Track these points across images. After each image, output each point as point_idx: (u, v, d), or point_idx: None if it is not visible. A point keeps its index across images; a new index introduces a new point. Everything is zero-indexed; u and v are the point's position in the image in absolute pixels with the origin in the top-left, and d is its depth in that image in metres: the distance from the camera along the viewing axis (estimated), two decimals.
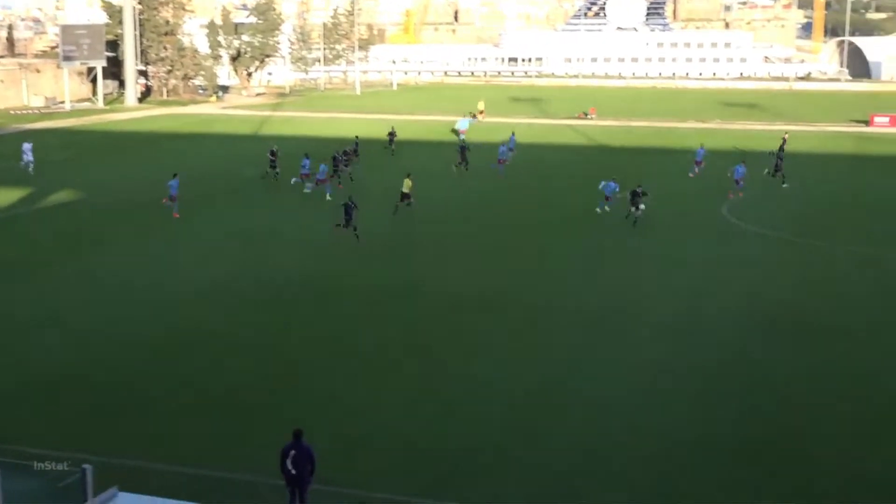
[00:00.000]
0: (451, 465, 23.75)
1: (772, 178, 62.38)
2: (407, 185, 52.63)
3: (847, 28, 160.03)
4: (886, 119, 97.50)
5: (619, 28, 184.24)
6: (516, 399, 27.98)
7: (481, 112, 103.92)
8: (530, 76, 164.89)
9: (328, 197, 55.98)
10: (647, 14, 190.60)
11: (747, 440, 25.30)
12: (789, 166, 64.33)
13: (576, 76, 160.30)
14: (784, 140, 71.42)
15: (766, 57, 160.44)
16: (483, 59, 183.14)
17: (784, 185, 61.04)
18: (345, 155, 65.03)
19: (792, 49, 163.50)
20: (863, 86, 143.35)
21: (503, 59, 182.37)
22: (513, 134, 73.81)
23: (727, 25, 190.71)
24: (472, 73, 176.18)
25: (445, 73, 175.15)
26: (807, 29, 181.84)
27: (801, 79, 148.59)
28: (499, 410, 27.15)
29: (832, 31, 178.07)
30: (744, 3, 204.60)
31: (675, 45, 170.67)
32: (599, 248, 46.12)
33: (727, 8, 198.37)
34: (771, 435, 25.61)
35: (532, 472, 23.47)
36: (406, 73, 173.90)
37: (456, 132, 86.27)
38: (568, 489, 22.69)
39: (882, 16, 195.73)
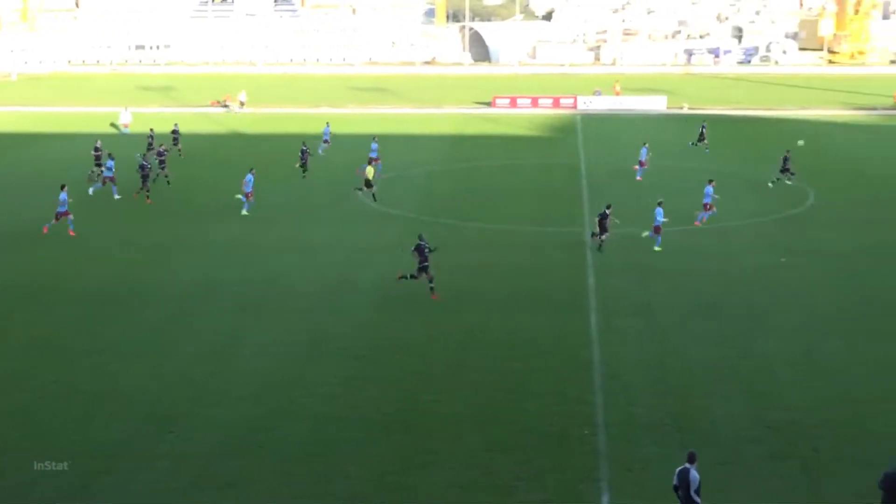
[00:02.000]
0: (102, 462, 23.22)
1: (777, 181, 57.78)
2: (370, 172, 53.37)
3: (467, 14, 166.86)
4: (507, 101, 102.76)
5: (247, 14, 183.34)
6: (159, 392, 27.71)
7: (242, 103, 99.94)
8: (159, 64, 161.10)
9: (116, 196, 52.95)
10: (276, 0, 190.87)
11: (390, 413, 26.25)
12: (441, 149, 66.66)
13: (206, 63, 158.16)
14: (703, 127, 72.42)
15: (394, 42, 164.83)
16: (109, 46, 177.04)
17: (787, 182, 57.38)
18: (159, 156, 57.90)
19: (417, 34, 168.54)
20: (484, 69, 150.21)
21: (131, 47, 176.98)
22: (327, 125, 71.09)
23: (354, 11, 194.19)
24: (98, 62, 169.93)
25: (69, 61, 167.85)
26: (430, 14, 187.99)
27: (427, 63, 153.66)
28: (142, 404, 26.80)
29: (454, 16, 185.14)
30: None
31: (305, 31, 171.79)
32: (244, 236, 46.04)
33: None
34: (413, 405, 26.70)
35: (181, 462, 23.36)
36: (26, 63, 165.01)
37: (117, 126, 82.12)
38: (216, 474, 22.78)
39: (499, 2, 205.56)
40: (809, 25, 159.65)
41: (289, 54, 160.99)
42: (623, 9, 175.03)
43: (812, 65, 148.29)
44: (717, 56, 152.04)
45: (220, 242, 44.81)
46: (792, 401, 27.39)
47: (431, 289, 35.81)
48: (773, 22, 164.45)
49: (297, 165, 60.40)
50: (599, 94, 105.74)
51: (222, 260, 42.00)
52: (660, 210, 43.12)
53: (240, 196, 50.79)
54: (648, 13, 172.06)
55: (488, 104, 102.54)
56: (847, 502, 21.91)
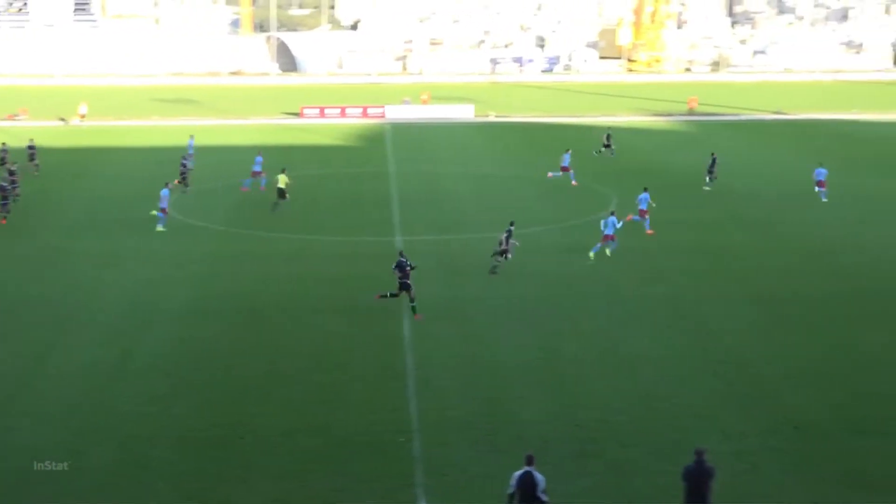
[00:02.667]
0: None
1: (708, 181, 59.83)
2: (283, 180, 52.18)
3: (273, 23, 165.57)
4: (316, 111, 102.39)
5: (45, 24, 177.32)
6: None
7: (82, 116, 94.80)
8: None
9: None
10: (75, 10, 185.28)
11: (202, 430, 25.84)
12: (248, 160, 65.81)
13: (0, 74, 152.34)
14: (608, 137, 72.22)
15: (199, 52, 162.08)
16: None
17: (706, 188, 59.14)
18: (10, 175, 53.57)
19: (223, 44, 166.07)
20: (291, 79, 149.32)
21: None
22: (191, 137, 67.99)
23: (157, 21, 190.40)
24: None
25: None
26: (236, 24, 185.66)
27: (233, 73, 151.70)
28: None
29: (260, 26, 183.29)
30: None
31: (106, 42, 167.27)
32: (53, 249, 44.60)
33: (156, 4, 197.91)
34: (225, 420, 26.34)
35: None
36: None
37: None
38: (20, 501, 22.14)
39: (305, 12, 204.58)
40: (608, 35, 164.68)
41: (89, 65, 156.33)
42: (429, 18, 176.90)
43: (612, 73, 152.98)
44: (521, 65, 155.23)
45: (30, 256, 43.30)
46: (600, 399, 28.17)
47: (413, 308, 34.81)
48: (572, 32, 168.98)
49: (177, 181, 57.50)
50: (408, 102, 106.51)
51: (31, 274, 40.60)
52: (612, 219, 43.23)
53: (156, 212, 49.00)
54: (454, 23, 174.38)
55: (296, 114, 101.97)
56: (653, 496, 22.64)
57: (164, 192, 49.11)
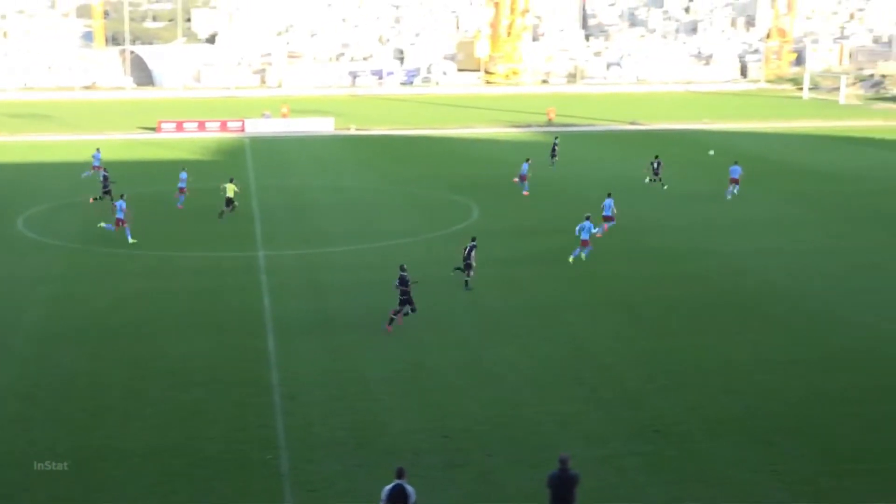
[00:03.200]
0: None
1: (652, 184, 63.58)
2: (230, 189, 53.39)
3: (127, 36, 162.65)
4: (173, 125, 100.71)
5: None
6: None
7: None
8: None
9: None
10: None
11: (61, 454, 25.16)
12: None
13: None
14: (555, 144, 73.94)
15: (49, 66, 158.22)
16: None
17: (665, 188, 62.87)
18: None
19: (75, 57, 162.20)
20: (148, 93, 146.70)
21: None
22: (97, 150, 65.32)
23: (5, 34, 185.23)
24: None
25: None
26: (88, 37, 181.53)
27: (87, 88, 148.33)
28: None
29: (113, 39, 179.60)
30: (21, 12, 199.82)
31: None
32: None
33: (3, 16, 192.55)
34: (85, 443, 25.71)
35: None
36: None
37: None
38: None
39: (160, 25, 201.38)
40: (466, 47, 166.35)
41: None
42: (287, 31, 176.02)
43: (471, 85, 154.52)
44: (380, 78, 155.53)
45: None
46: (466, 409, 28.33)
47: (391, 319, 34.57)
48: (430, 45, 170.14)
49: (100, 195, 57.02)
50: (268, 116, 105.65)
51: None
52: (588, 224, 44.22)
53: (103, 224, 48.78)
54: (312, 36, 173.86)
55: (153, 129, 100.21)
56: (519, 503, 22.86)
57: (120, 202, 48.90)
